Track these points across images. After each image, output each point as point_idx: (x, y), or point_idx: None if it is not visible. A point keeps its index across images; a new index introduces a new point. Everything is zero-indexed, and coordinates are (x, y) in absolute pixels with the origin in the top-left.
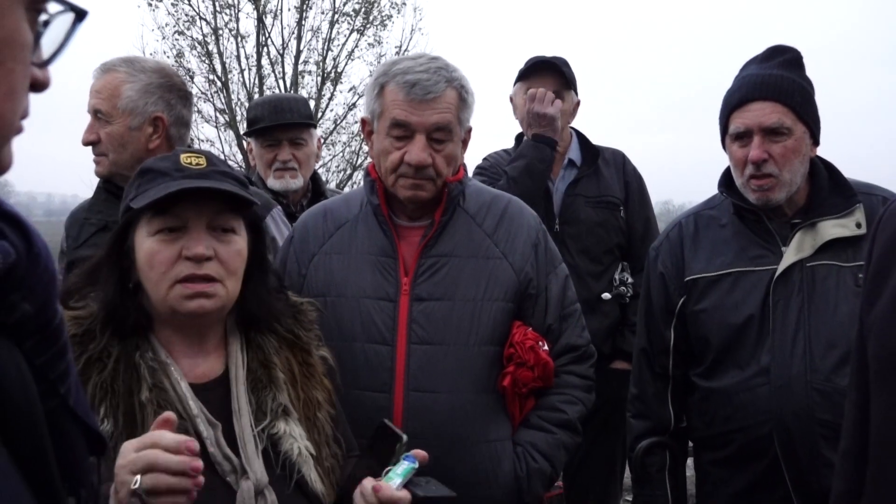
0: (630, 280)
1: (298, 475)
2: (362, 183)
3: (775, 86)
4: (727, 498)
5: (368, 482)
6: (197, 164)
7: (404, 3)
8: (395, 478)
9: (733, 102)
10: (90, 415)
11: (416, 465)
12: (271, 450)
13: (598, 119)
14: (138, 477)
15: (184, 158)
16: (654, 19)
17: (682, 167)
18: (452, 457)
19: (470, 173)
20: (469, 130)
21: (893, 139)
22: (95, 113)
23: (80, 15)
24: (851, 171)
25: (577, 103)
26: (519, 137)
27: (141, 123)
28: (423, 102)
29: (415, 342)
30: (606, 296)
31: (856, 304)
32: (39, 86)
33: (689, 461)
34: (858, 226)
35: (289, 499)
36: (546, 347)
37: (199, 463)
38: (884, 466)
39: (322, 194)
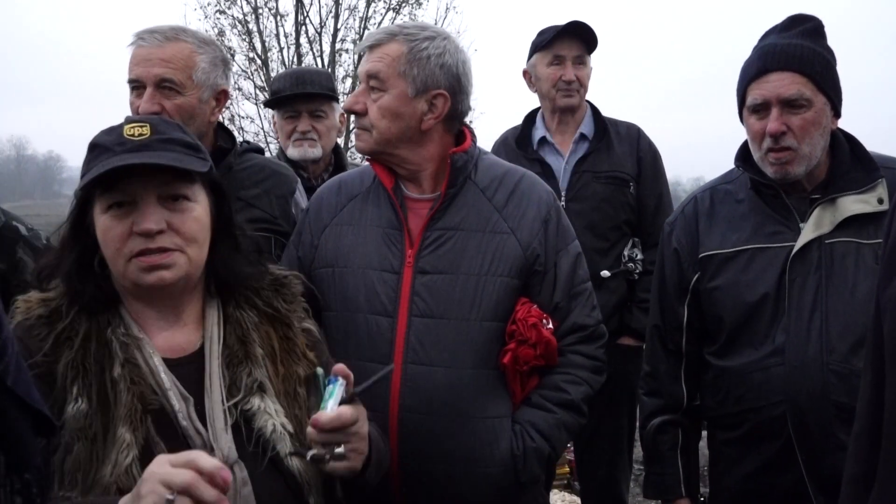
0: (640, 256)
1: (273, 452)
2: None
3: (795, 56)
4: (739, 478)
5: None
6: (140, 135)
7: None
8: (326, 402)
9: (751, 73)
10: (33, 395)
11: (341, 380)
12: (244, 426)
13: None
14: (176, 496)
15: (126, 130)
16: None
17: (693, 147)
18: (448, 432)
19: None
20: (439, 96)
21: None
22: (160, 82)
23: None
24: (873, 144)
25: (591, 70)
26: (529, 117)
27: (209, 96)
28: (367, 53)
29: (416, 315)
30: (605, 273)
31: (875, 283)
32: None
33: (703, 441)
34: (881, 201)
35: (262, 476)
36: (550, 326)
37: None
38: (894, 450)
39: (343, 168)
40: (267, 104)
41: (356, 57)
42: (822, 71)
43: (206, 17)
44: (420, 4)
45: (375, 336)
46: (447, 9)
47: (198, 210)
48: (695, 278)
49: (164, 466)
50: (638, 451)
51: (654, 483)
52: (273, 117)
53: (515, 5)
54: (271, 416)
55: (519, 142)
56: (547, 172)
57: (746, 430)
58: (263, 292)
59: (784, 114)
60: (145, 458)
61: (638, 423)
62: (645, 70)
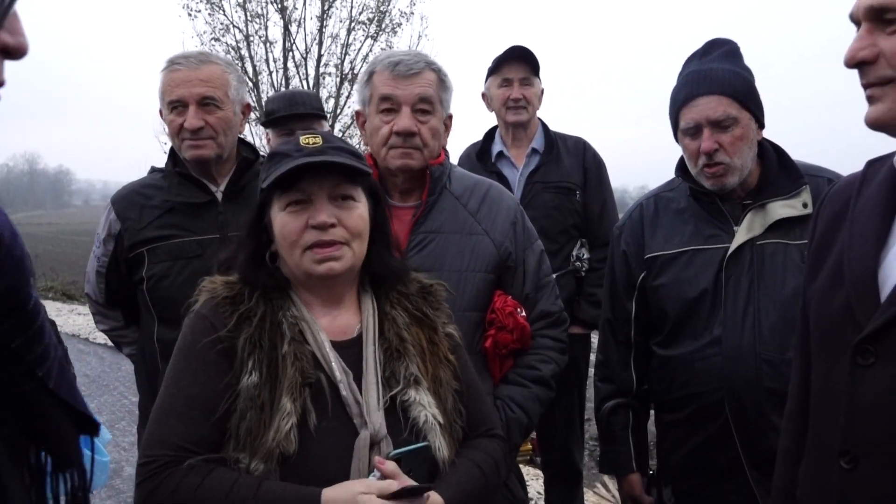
0: (587, 256)
1: (424, 441)
2: None
3: (717, 80)
4: (683, 455)
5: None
6: (314, 144)
7: (412, 13)
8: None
9: (680, 99)
10: (76, 397)
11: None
12: (402, 415)
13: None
14: None
15: (302, 140)
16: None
17: (637, 158)
18: None
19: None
20: (450, 117)
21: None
22: (202, 100)
23: None
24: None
25: (542, 91)
26: (489, 133)
27: (239, 110)
28: (407, 78)
29: None
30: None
31: (802, 280)
32: (11, 52)
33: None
34: (805, 206)
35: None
36: (524, 314)
37: None
38: (819, 427)
39: None
40: (263, 124)
41: (338, 80)
42: (743, 90)
43: (202, 44)
44: (395, 32)
45: None
46: (420, 36)
47: (361, 209)
48: (641, 277)
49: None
50: (592, 430)
51: (608, 460)
52: (267, 135)
53: (481, 33)
54: (425, 407)
55: (479, 155)
56: (503, 183)
57: (689, 412)
58: (412, 297)
59: (714, 133)
60: (303, 425)
61: (592, 404)
62: (600, 87)
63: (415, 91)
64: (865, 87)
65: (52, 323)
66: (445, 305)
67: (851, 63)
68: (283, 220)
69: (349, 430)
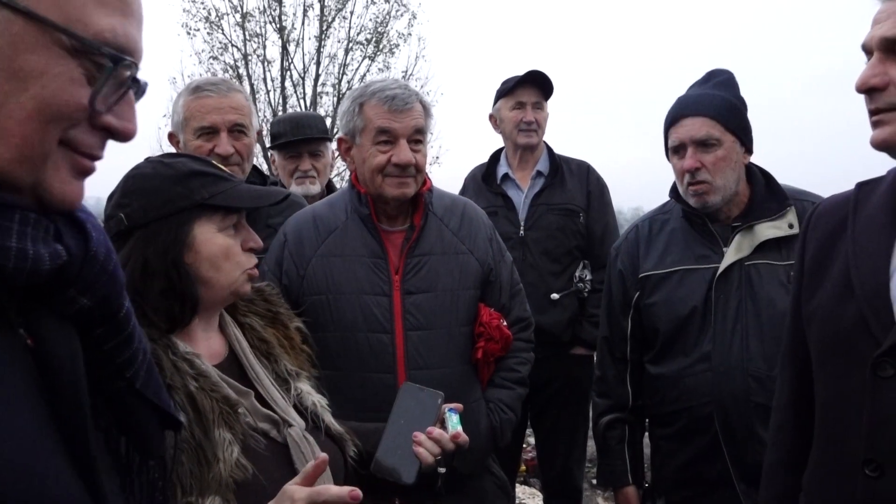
0: (589, 277)
1: (324, 424)
2: (346, 192)
3: (703, 103)
4: (675, 468)
5: (440, 433)
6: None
7: (410, 34)
8: (458, 425)
9: (668, 120)
10: (161, 396)
11: (457, 412)
12: (300, 405)
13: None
14: None
15: (214, 160)
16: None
17: (632, 180)
18: None
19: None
20: (429, 143)
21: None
22: (233, 127)
23: (116, 60)
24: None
25: (547, 114)
26: (494, 155)
27: (255, 137)
28: (402, 112)
29: (410, 329)
30: (555, 296)
31: (788, 298)
32: (116, 134)
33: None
34: (791, 226)
35: (325, 444)
36: (505, 323)
37: None
38: (833, 437)
39: None
40: (271, 147)
41: (335, 99)
42: (728, 114)
43: (200, 62)
44: (393, 53)
45: (378, 350)
46: (417, 57)
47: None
48: (636, 295)
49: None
50: (590, 450)
51: (604, 473)
52: (272, 156)
53: (476, 56)
54: (311, 394)
55: (485, 177)
56: (509, 205)
57: (680, 426)
58: (255, 301)
59: (697, 152)
60: (246, 449)
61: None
62: (593, 109)
63: (410, 124)
64: (873, 112)
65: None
66: (283, 301)
67: (863, 88)
68: (223, 242)
69: (275, 449)
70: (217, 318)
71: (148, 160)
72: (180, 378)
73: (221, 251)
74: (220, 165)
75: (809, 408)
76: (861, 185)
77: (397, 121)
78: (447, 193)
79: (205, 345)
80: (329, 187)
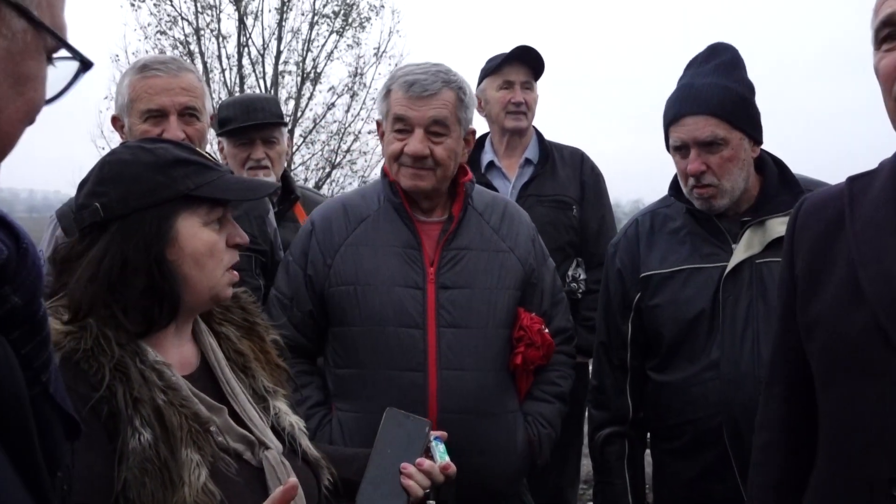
0: (583, 277)
1: (300, 448)
2: (379, 180)
3: (706, 99)
4: (680, 486)
5: (430, 465)
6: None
7: (382, 6)
8: (446, 455)
9: (669, 117)
10: (67, 402)
11: (441, 440)
12: (277, 425)
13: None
14: None
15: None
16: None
17: (631, 171)
18: (480, 429)
19: None
20: (472, 132)
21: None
22: (184, 110)
23: (86, 65)
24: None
25: (537, 95)
26: (478, 142)
27: (209, 121)
28: (421, 99)
29: (443, 325)
30: None
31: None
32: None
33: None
34: None
35: (301, 470)
36: (547, 330)
37: None
38: (844, 456)
39: (292, 191)
40: (220, 134)
41: (298, 79)
42: (734, 110)
43: (146, 37)
44: (364, 28)
45: (408, 346)
46: (391, 32)
47: None
48: (637, 297)
49: None
50: (585, 469)
51: (603, 493)
52: (220, 143)
53: (457, 30)
54: (288, 414)
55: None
56: None
57: (685, 440)
58: (232, 308)
59: (702, 154)
60: (215, 473)
61: (586, 437)
62: (588, 94)
63: (428, 114)
64: None
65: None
66: (259, 311)
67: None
68: (208, 238)
69: (249, 472)
70: (191, 326)
71: (126, 145)
72: (148, 390)
73: (206, 247)
74: (205, 153)
75: (804, 424)
76: (853, 180)
77: (414, 109)
78: (487, 190)
79: (176, 353)
80: (285, 179)
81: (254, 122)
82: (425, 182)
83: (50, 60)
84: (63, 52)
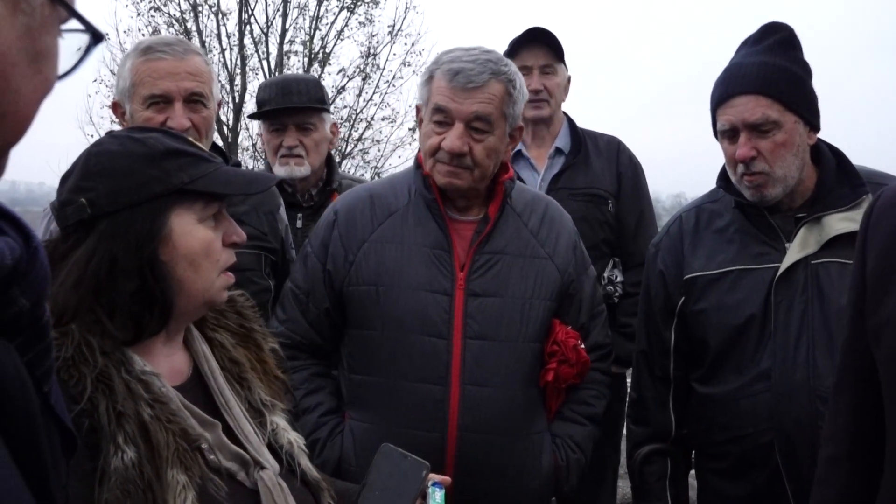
0: (620, 279)
1: (300, 468)
2: (411, 171)
3: (757, 77)
4: None
5: None
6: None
7: None
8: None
9: (717, 97)
10: (66, 414)
11: (441, 487)
12: (274, 443)
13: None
14: None
15: (191, 138)
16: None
17: (673, 161)
18: (503, 449)
19: None
20: (520, 129)
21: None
22: (190, 96)
23: (98, 37)
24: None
25: (569, 79)
26: None
27: (216, 109)
28: (465, 91)
29: (470, 337)
30: None
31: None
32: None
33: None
34: None
35: (299, 492)
36: (583, 346)
37: None
38: None
39: (330, 181)
40: (252, 116)
41: (305, 60)
42: (788, 90)
43: (138, 14)
44: (377, 4)
45: (431, 357)
46: (406, 8)
47: None
48: (681, 301)
49: None
50: (622, 491)
51: None
52: (259, 128)
53: (478, 5)
54: (287, 431)
55: None
56: None
57: (733, 459)
58: (227, 313)
59: (752, 138)
60: (203, 496)
61: (624, 455)
62: (620, 78)
63: (471, 108)
64: None
65: None
66: (258, 316)
67: None
68: (204, 236)
69: (242, 493)
70: (182, 332)
71: (112, 135)
72: (133, 404)
73: (202, 247)
74: (198, 143)
75: (873, 437)
76: None
77: (456, 100)
78: (527, 188)
79: (166, 361)
80: (329, 166)
81: (286, 105)
82: (461, 181)
83: (58, 33)
84: (71, 24)
